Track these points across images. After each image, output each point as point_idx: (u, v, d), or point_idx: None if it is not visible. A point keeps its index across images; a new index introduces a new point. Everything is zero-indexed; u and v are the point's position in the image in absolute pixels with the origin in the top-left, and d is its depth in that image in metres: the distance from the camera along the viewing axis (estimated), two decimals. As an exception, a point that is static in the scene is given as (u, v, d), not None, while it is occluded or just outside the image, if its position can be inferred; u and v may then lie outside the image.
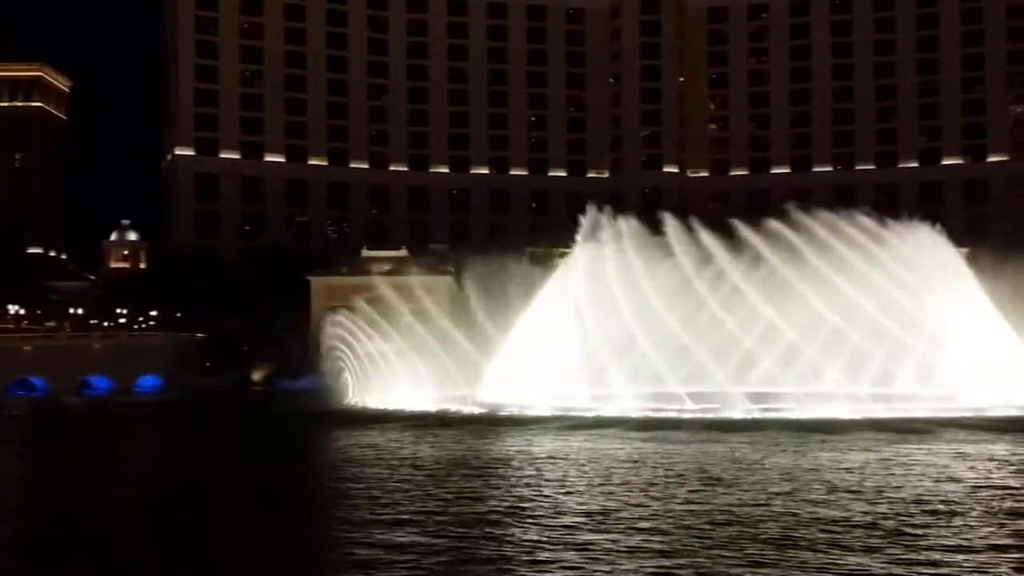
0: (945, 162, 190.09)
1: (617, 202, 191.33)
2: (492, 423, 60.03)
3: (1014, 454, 44.81)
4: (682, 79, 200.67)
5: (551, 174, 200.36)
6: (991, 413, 58.64)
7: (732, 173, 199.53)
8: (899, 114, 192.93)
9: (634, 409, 61.89)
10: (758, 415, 58.97)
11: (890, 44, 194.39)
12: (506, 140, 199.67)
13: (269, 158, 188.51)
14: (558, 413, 61.29)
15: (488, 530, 28.39)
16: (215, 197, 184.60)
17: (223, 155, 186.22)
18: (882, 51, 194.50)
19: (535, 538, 27.13)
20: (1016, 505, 31.46)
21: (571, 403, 63.68)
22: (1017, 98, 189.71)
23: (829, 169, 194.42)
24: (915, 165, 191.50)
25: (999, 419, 57.14)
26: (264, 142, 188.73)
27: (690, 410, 61.19)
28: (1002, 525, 28.27)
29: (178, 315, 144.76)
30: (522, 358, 70.01)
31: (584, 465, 42.07)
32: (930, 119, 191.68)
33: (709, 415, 59.76)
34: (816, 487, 34.97)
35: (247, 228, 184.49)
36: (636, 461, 43.20)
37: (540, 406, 63.65)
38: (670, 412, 61.14)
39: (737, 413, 59.85)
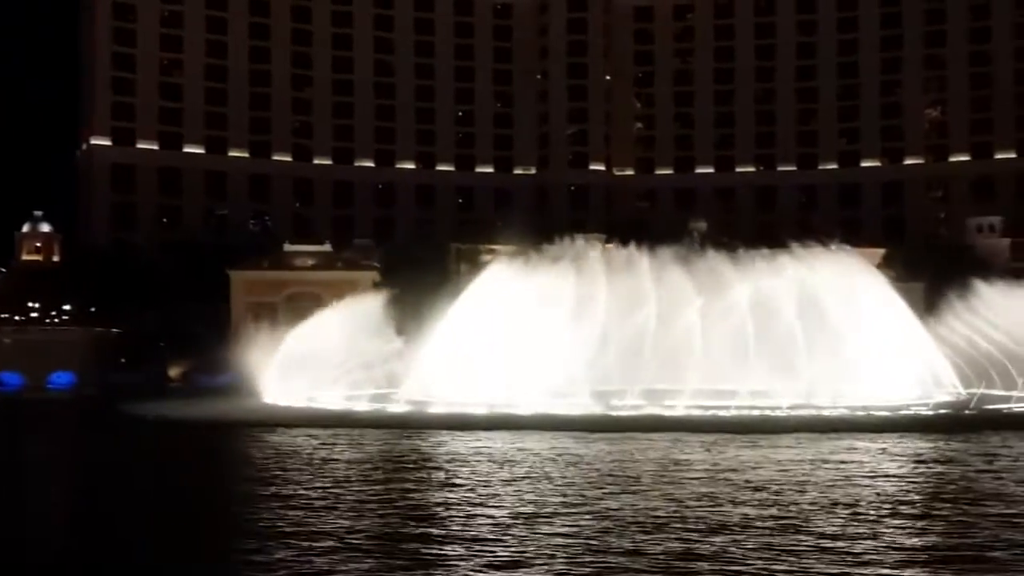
0: (864, 164, 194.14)
1: (544, 200, 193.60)
2: (416, 422, 59.01)
3: (939, 451, 45.44)
4: (608, 77, 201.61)
5: (478, 170, 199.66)
6: (909, 411, 59.54)
7: (658, 172, 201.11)
8: (819, 116, 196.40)
9: (564, 407, 61.47)
10: (686, 413, 58.95)
11: (811, 47, 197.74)
12: (432, 135, 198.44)
13: (188, 149, 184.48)
14: (485, 411, 60.54)
15: (404, 531, 27.49)
16: (132, 188, 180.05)
17: (140, 145, 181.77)
18: (803, 54, 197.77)
19: (451, 540, 26.31)
20: (924, 499, 31.67)
21: (499, 401, 63.01)
22: (933, 102, 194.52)
23: (752, 170, 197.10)
24: (835, 167, 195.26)
25: (919, 417, 58.04)
26: (183, 133, 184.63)
27: (619, 408, 61.07)
28: (915, 522, 28.36)
29: (93, 310, 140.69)
30: (448, 356, 69.31)
31: (506, 464, 41.43)
32: (849, 122, 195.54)
33: (636, 413, 59.69)
34: (736, 486, 34.83)
35: (165, 221, 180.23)
36: (554, 460, 42.70)
37: (467, 404, 62.86)
38: (598, 410, 60.93)
39: (665, 411, 59.81)
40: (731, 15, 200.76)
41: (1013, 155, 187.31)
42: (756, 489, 34.10)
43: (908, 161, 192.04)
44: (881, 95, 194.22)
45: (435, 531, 27.70)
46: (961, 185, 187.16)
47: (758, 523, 28.41)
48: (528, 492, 34.16)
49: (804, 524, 28.24)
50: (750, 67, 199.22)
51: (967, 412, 60.11)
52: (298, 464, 43.28)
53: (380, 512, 30.89)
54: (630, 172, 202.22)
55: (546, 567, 23.57)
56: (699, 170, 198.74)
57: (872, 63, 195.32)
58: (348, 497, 33.82)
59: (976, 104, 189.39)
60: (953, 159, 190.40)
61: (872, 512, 30.17)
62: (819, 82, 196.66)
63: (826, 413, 58.35)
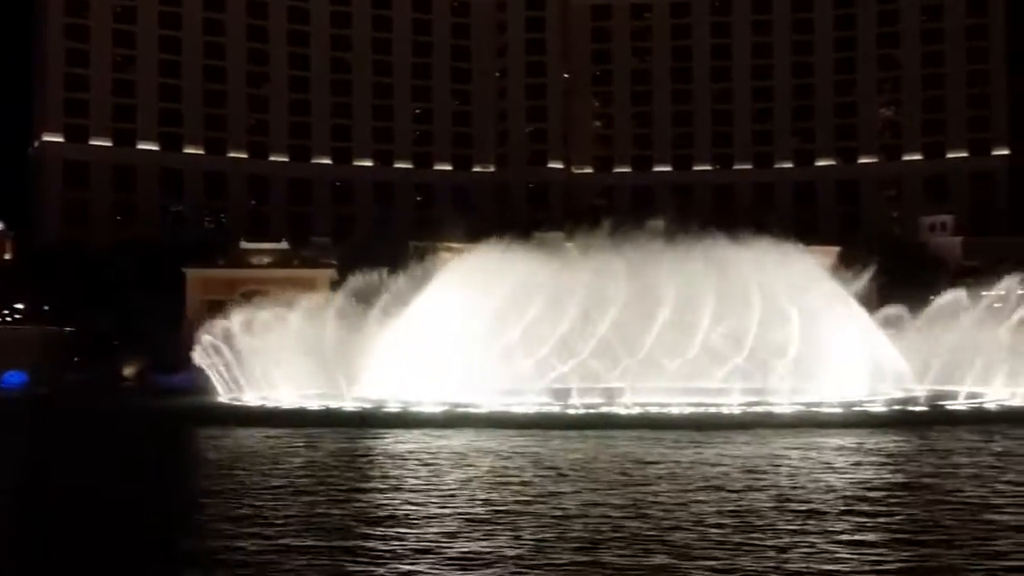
0: (818, 163, 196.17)
1: (503, 197, 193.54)
2: (371, 421, 58.64)
3: (897, 446, 45.96)
4: (567, 76, 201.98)
5: (436, 168, 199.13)
6: (863, 408, 60.17)
7: (616, 170, 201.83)
8: (775, 116, 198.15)
9: (521, 405, 61.45)
10: (644, 411, 59.13)
11: (767, 47, 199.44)
12: (391, 132, 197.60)
13: (142, 146, 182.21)
14: (442, 409, 60.34)
15: (353, 532, 27.23)
16: (85, 186, 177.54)
17: (94, 142, 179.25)
18: (759, 54, 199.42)
19: (402, 541, 26.11)
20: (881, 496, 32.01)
21: (456, 400, 62.83)
22: (887, 102, 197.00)
23: (709, 168, 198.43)
24: (790, 166, 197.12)
25: (873, 414, 58.69)
26: (137, 129, 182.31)
27: (576, 406, 61.17)
28: (870, 519, 28.63)
29: (46, 308, 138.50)
30: (404, 354, 69.03)
31: (461, 463, 41.25)
32: (805, 121, 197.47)
33: (596, 411, 59.82)
34: (694, 483, 35.00)
35: (119, 218, 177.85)
36: (511, 458, 42.64)
37: (423, 403, 62.61)
38: (556, 408, 61.01)
39: (622, 409, 59.98)
40: (688, 14, 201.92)
41: (965, 154, 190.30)
42: (716, 488, 34.24)
43: (862, 160, 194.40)
44: (836, 95, 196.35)
45: (386, 532, 27.38)
46: (914, 184, 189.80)
47: (717, 521, 28.52)
48: (483, 491, 34.02)
49: (762, 521, 28.39)
50: (706, 66, 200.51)
51: (920, 408, 60.87)
52: (249, 463, 42.80)
53: (330, 513, 30.52)
54: (589, 170, 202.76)
55: (499, 567, 23.41)
56: (657, 168, 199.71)
57: (827, 63, 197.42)
58: (298, 497, 33.38)
59: (929, 104, 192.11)
60: (906, 158, 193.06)
61: (828, 508, 30.40)
62: (775, 82, 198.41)
63: (782, 410, 58.82)
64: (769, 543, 25.51)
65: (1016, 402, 64.24)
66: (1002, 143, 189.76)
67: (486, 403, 61.79)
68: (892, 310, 72.66)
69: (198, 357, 73.44)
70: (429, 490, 34.33)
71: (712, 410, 58.77)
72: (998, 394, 66.78)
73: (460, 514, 29.77)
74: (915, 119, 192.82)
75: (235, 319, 73.88)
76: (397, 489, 34.89)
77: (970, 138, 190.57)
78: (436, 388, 64.62)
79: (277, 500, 32.95)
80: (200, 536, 27.56)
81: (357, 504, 32.04)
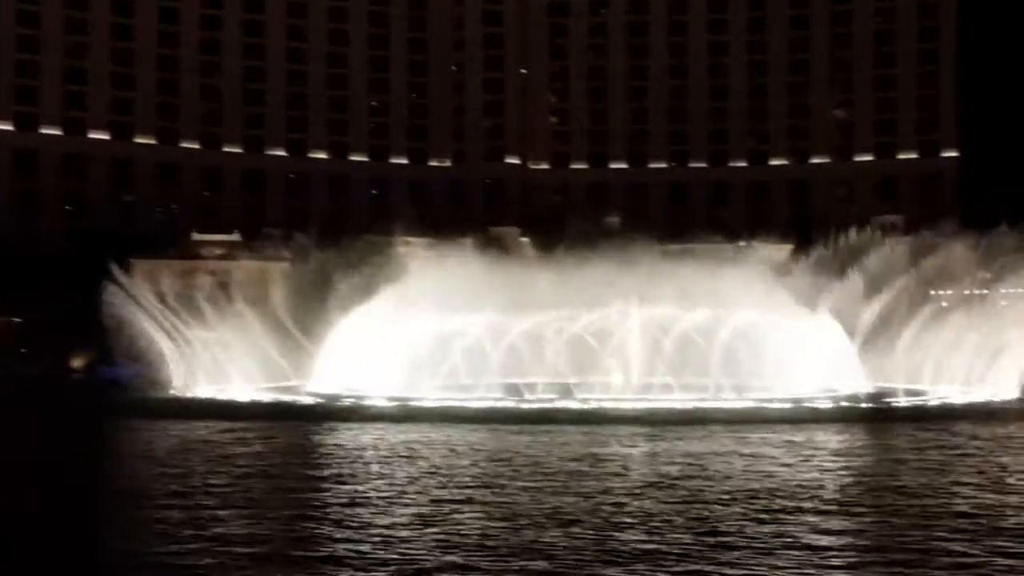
0: (772, 163, 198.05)
1: (459, 192, 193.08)
2: (325, 415, 58.20)
3: (843, 443, 46.49)
4: (524, 71, 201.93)
5: (392, 161, 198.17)
6: (816, 405, 60.77)
7: (572, 167, 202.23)
8: (730, 115, 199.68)
9: (476, 400, 61.38)
10: (597, 407, 59.31)
11: (723, 45, 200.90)
12: (346, 124, 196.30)
13: (93, 135, 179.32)
14: (395, 404, 60.06)
15: (300, 528, 26.94)
16: (35, 174, 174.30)
17: (44, 131, 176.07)
18: (715, 52, 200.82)
19: (348, 540, 25.88)
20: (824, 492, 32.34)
21: (409, 394, 62.61)
22: (840, 103, 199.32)
23: (664, 166, 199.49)
24: (744, 164, 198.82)
25: (826, 411, 59.30)
26: (88, 118, 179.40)
27: (529, 401, 61.21)
28: (822, 516, 28.90)
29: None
30: (358, 348, 68.65)
31: (411, 458, 41.04)
32: (759, 121, 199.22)
33: (547, 406, 59.86)
34: (647, 479, 35.13)
35: (69, 208, 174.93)
36: (462, 453, 42.53)
37: (376, 397, 62.30)
38: (509, 403, 60.99)
39: (576, 404, 60.11)
40: (645, 11, 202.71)
41: (915, 156, 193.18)
42: (669, 486, 34.37)
43: (814, 160, 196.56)
44: (789, 95, 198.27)
45: (332, 529, 27.07)
46: (865, 184, 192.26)
47: (670, 517, 28.62)
48: (433, 487, 33.82)
49: (715, 517, 28.53)
50: (663, 64, 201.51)
51: (871, 405, 61.65)
52: (198, 458, 42.24)
53: (277, 508, 30.18)
54: (545, 166, 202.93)
55: (445, 566, 23.20)
56: (613, 165, 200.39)
57: (781, 63, 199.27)
58: (246, 493, 32.94)
59: (880, 105, 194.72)
60: (858, 159, 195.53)
61: (780, 504, 30.62)
62: (730, 80, 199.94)
63: (734, 406, 59.32)
64: (719, 539, 25.67)
65: (962, 400, 65.35)
66: (951, 145, 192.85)
67: (439, 398, 61.67)
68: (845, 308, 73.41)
69: (147, 349, 72.37)
70: (376, 484, 34.07)
71: (664, 406, 59.08)
72: (946, 392, 67.92)
73: (409, 509, 29.57)
74: (867, 120, 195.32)
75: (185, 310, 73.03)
76: (341, 484, 34.55)
77: (920, 140, 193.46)
78: (389, 383, 64.37)
79: (222, 496, 32.51)
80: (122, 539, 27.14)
81: (303, 499, 31.70)
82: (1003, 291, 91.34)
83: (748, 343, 66.77)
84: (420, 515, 28.44)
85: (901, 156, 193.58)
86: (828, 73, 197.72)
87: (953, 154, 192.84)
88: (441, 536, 25.77)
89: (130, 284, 74.13)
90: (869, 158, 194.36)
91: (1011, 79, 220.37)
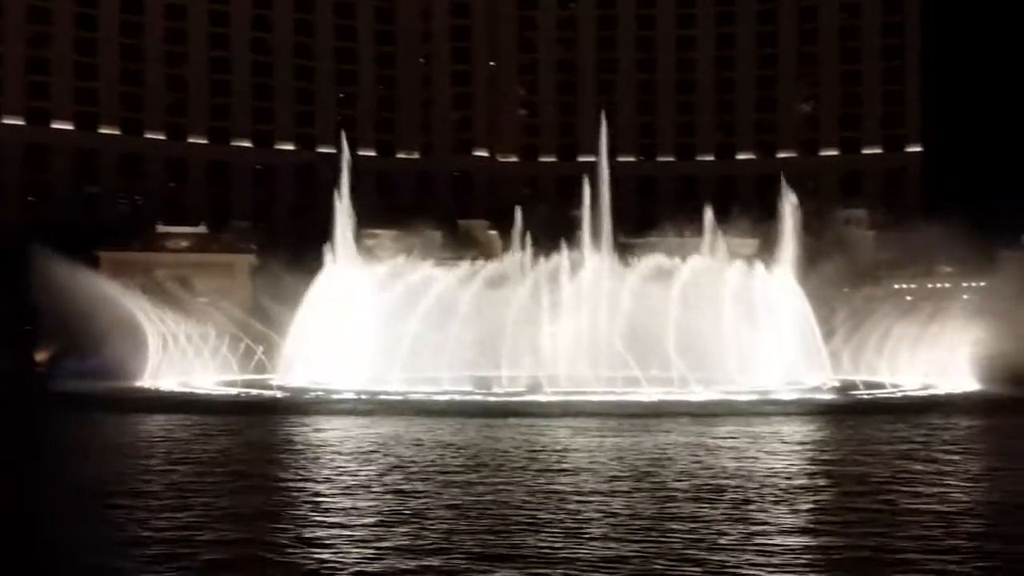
0: (739, 157, 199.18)
1: (427, 185, 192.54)
2: (293, 408, 57.89)
3: (809, 435, 46.89)
4: (492, 64, 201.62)
5: (360, 153, 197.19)
6: (783, 397, 61.35)
7: (541, 160, 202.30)
8: (698, 109, 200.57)
9: (443, 393, 61.35)
10: (564, 399, 59.49)
11: (691, 40, 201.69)
12: (313, 116, 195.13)
13: (56, 125, 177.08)
14: (363, 398, 59.91)
15: (252, 526, 26.68)
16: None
17: (6, 121, 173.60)
18: (683, 47, 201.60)
19: (298, 539, 25.69)
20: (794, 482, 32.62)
21: (377, 387, 62.48)
22: (806, 98, 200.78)
23: (633, 159, 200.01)
24: (712, 159, 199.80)
25: (792, 402, 59.84)
26: (51, 108, 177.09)
27: (497, 395, 61.28)
28: (788, 506, 29.15)
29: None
30: (324, 341, 68.42)
31: (374, 453, 40.85)
32: (727, 115, 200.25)
33: (516, 399, 59.98)
34: (613, 472, 35.28)
35: (31, 199, 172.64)
36: (424, 447, 42.48)
37: (343, 390, 62.12)
38: (477, 396, 61.03)
39: (543, 398, 60.26)
40: (614, 6, 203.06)
41: (879, 151, 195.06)
42: (635, 479, 34.48)
43: (781, 155, 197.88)
44: (757, 90, 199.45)
45: (285, 526, 26.67)
46: (830, 179, 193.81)
47: (636, 512, 28.74)
48: (397, 483, 33.64)
49: (680, 511, 28.67)
50: (631, 58, 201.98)
51: (837, 397, 62.29)
52: (158, 452, 41.82)
53: (236, 504, 29.86)
54: (514, 159, 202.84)
55: (408, 566, 23.04)
56: (581, 158, 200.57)
57: (749, 58, 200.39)
58: (203, 490, 32.52)
59: (846, 100, 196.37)
60: (823, 153, 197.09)
61: (744, 497, 30.83)
62: (698, 75, 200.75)
63: (700, 399, 59.75)
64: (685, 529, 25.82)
65: (925, 392, 66.19)
66: (915, 140, 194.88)
67: (407, 391, 61.61)
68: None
69: (113, 342, 71.73)
70: (339, 481, 33.88)
71: (631, 399, 59.41)
72: (911, 384, 68.78)
73: (367, 506, 29.44)
74: (832, 115, 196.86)
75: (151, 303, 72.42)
76: (307, 480, 34.36)
77: (885, 134, 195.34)
78: (358, 375, 64.22)
79: (178, 493, 32.24)
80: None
81: (261, 496, 31.46)
82: (964, 284, 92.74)
83: (713, 335, 67.25)
84: (384, 514, 28.27)
85: (866, 151, 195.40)
86: (795, 68, 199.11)
87: (917, 149, 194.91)
88: (404, 536, 25.60)
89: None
90: (834, 152, 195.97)
91: (974, 74, 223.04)
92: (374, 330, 66.86)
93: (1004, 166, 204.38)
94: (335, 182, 77.77)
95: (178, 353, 70.87)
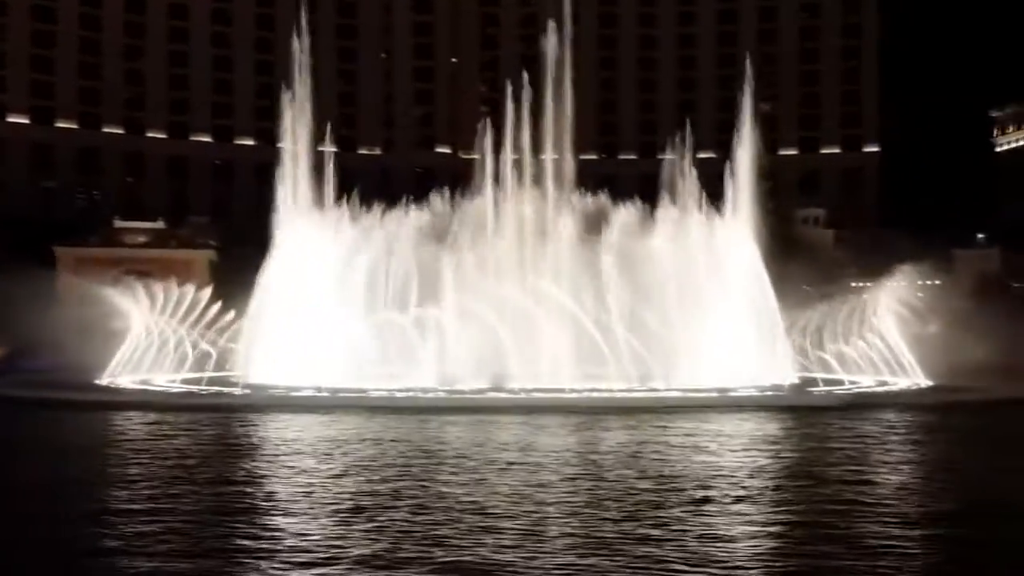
0: (699, 156, 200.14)
1: (388, 181, 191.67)
2: (254, 406, 57.46)
3: (770, 431, 47.40)
4: (454, 60, 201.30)
5: (320, 149, 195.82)
6: (747, 394, 61.87)
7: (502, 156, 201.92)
8: (659, 107, 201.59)
9: (407, 390, 61.21)
10: (529, 396, 59.60)
11: (653, 39, 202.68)
12: (273, 111, 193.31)
13: (12, 119, 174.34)
14: (326, 395, 59.66)
15: (213, 526, 26.50)
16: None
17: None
18: (645, 45, 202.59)
19: (263, 537, 25.59)
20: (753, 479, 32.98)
21: (341, 383, 62.20)
22: (765, 97, 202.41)
23: (594, 157, 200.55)
24: (671, 156, 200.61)
25: (755, 399, 60.41)
26: (7, 102, 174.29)
27: (463, 391, 61.27)
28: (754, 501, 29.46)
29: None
30: (287, 337, 67.99)
31: (336, 452, 40.71)
32: (688, 113, 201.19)
33: (480, 396, 59.99)
34: (574, 470, 35.45)
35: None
36: (384, 444, 42.44)
37: (306, 387, 61.78)
38: (441, 392, 60.97)
39: (509, 394, 60.35)
40: (576, 3, 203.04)
41: (838, 150, 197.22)
42: (598, 478, 34.64)
43: (740, 154, 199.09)
44: (717, 89, 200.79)
45: (249, 526, 26.46)
46: (789, 178, 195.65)
47: (598, 509, 28.90)
48: (357, 481, 33.50)
49: (644, 509, 28.88)
50: (593, 56, 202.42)
51: (796, 394, 62.95)
52: (115, 450, 41.32)
53: (193, 503, 29.58)
54: (476, 156, 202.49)
55: (354, 566, 22.97)
56: (542, 157, 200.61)
57: (709, 57, 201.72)
58: (157, 488, 32.25)
59: (805, 100, 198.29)
60: (782, 152, 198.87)
61: (706, 494, 31.11)
62: (659, 74, 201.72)
63: (663, 395, 60.14)
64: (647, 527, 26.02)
65: (881, 389, 67.11)
66: (873, 140, 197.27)
67: (370, 388, 61.44)
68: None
69: (70, 339, 70.76)
70: (297, 479, 33.69)
71: (597, 395, 59.67)
72: (868, 381, 69.68)
73: (331, 505, 29.32)
74: (791, 115, 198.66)
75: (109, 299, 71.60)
76: (263, 478, 34.16)
77: (843, 134, 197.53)
78: (320, 372, 63.88)
79: (132, 491, 31.94)
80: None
81: (221, 494, 31.21)
82: (920, 283, 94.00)
83: (675, 332, 67.65)
84: (341, 512, 28.16)
85: (824, 150, 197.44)
86: (755, 67, 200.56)
87: (875, 149, 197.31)
88: (361, 535, 25.50)
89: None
90: (793, 152, 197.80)
91: (931, 76, 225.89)
92: (340, 326, 66.53)
93: (959, 167, 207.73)
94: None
95: (139, 350, 70.07)
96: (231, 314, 73.31)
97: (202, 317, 72.19)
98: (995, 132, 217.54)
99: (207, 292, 74.44)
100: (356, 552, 23.39)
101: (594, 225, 74.33)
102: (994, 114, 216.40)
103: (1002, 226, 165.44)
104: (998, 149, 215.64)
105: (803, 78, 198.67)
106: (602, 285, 68.15)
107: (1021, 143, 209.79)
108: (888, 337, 72.57)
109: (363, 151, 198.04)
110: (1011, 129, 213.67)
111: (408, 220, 72.71)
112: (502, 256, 72.56)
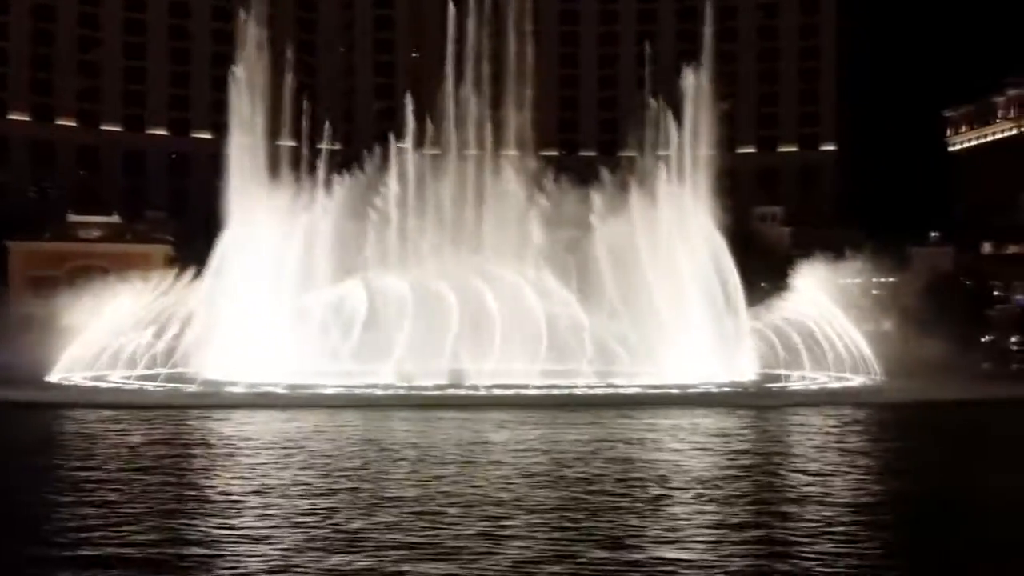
0: (659, 153, 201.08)
1: (351, 174, 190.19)
2: (210, 402, 56.79)
3: (729, 427, 47.67)
4: (415, 55, 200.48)
5: (279, 143, 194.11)
6: (705, 390, 62.19)
7: (466, 152, 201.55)
8: (619, 105, 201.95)
9: (367, 386, 60.85)
10: (488, 392, 59.47)
11: (614, 36, 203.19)
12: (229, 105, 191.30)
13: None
14: (285, 391, 59.11)
15: (167, 528, 26.08)
16: None
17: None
18: (606, 43, 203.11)
19: (218, 540, 25.17)
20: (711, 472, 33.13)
21: (302, 380, 61.67)
22: (724, 96, 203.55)
23: (555, 153, 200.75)
24: (633, 154, 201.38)
25: (715, 395, 60.74)
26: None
27: (422, 387, 61.02)
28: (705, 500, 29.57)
29: None
30: (243, 332, 67.34)
31: (290, 449, 40.33)
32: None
33: (438, 392, 59.78)
34: (534, 466, 35.40)
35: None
36: (339, 441, 42.17)
37: (265, 383, 61.19)
38: (400, 389, 60.67)
39: (469, 390, 60.19)
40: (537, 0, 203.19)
41: (795, 149, 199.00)
42: (559, 475, 34.60)
43: (700, 152, 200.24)
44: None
45: (203, 529, 26.00)
46: (747, 176, 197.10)
47: (557, 508, 28.86)
48: (309, 479, 33.16)
49: (603, 509, 28.87)
50: (555, 52, 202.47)
51: (756, 390, 63.42)
52: (62, 449, 40.54)
53: (142, 505, 29.09)
54: (436, 152, 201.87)
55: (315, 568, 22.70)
56: (505, 152, 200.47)
57: (669, 56, 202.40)
58: (105, 488, 31.73)
59: (763, 99, 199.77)
60: (740, 151, 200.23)
61: (664, 492, 31.16)
62: (620, 71, 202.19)
63: (623, 391, 60.31)
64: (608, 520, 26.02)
65: (838, 385, 67.82)
66: (830, 139, 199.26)
67: (329, 383, 61.02)
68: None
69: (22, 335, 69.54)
70: (252, 477, 33.31)
71: (558, 391, 59.66)
72: (825, 377, 70.34)
73: (284, 505, 29.02)
74: (750, 114, 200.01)
75: (63, 295, 70.48)
76: (210, 476, 33.73)
77: (800, 133, 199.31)
78: (277, 367, 63.35)
79: (86, 492, 31.37)
80: None
81: (175, 495, 30.79)
82: (876, 280, 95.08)
83: (632, 328, 67.88)
84: (291, 513, 27.84)
85: (782, 149, 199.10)
86: (713, 67, 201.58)
87: (831, 148, 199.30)
88: (311, 536, 25.18)
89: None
90: (751, 150, 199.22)
91: (887, 76, 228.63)
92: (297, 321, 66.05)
93: (914, 166, 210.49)
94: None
95: (94, 346, 68.97)
96: (185, 309, 72.33)
97: (157, 312, 71.13)
98: (948, 132, 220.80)
99: (163, 286, 73.38)
100: (301, 550, 23.18)
101: (558, 219, 74.41)
102: (948, 114, 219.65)
103: (955, 224, 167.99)
104: (951, 149, 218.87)
105: (762, 77, 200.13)
106: (568, 280, 68.28)
107: (974, 142, 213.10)
108: (845, 334, 73.29)
109: (323, 146, 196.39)
110: (964, 129, 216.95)
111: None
112: (463, 253, 72.29)
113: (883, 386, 67.72)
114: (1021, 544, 25.11)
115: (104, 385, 64.53)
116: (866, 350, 72.43)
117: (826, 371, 71.85)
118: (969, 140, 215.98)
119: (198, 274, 71.65)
